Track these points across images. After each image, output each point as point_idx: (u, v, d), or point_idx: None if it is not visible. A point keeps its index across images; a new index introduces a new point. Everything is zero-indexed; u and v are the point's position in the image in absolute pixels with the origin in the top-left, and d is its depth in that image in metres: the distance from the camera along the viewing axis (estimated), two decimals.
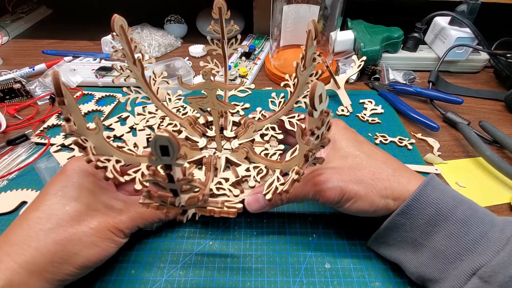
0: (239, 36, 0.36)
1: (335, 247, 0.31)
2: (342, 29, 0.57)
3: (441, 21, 0.57)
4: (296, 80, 0.33)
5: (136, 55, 0.31)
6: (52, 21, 0.81)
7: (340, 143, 0.29)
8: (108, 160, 0.24)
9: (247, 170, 0.30)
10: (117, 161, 0.25)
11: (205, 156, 0.31)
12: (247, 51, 0.62)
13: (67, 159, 0.39)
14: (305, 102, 0.34)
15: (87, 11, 0.83)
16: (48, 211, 0.24)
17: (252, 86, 0.38)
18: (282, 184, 0.25)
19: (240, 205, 0.23)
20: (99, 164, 0.23)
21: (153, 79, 0.34)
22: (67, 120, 0.20)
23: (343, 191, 0.26)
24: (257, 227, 0.32)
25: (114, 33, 0.27)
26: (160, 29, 0.68)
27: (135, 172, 0.26)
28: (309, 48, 0.29)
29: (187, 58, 0.62)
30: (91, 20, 0.76)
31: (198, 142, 0.33)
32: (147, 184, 0.28)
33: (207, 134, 0.34)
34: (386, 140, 0.43)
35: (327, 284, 0.28)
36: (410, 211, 0.25)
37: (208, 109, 0.30)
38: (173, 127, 0.34)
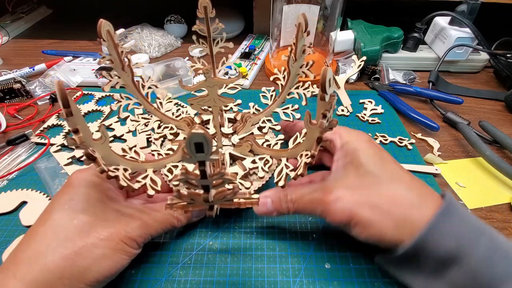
0: (224, 34, 0.35)
1: (335, 247, 0.31)
2: (342, 29, 0.57)
3: (441, 21, 0.57)
4: (286, 72, 0.34)
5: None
6: (52, 21, 0.81)
7: (361, 158, 0.26)
8: (117, 169, 0.24)
9: (253, 162, 0.31)
10: (125, 170, 0.24)
11: None
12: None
13: (67, 159, 0.39)
14: (297, 93, 0.35)
15: (87, 11, 0.83)
16: (55, 226, 0.23)
17: (241, 82, 0.37)
18: (292, 170, 0.25)
19: (258, 195, 0.24)
20: (110, 174, 0.22)
21: (142, 84, 0.33)
22: (76, 131, 0.19)
23: (352, 214, 0.23)
24: (257, 227, 0.32)
25: (102, 40, 0.26)
26: (160, 29, 0.68)
27: (143, 178, 0.26)
28: (299, 40, 0.30)
29: (187, 58, 0.62)
30: (91, 20, 0.75)
31: None
32: (174, 183, 0.28)
33: None
34: (386, 140, 0.43)
35: (327, 284, 0.28)
36: (426, 244, 0.22)
37: (205, 107, 0.30)
38: (169, 130, 0.34)
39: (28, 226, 0.32)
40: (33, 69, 0.56)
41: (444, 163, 0.40)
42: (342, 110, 0.48)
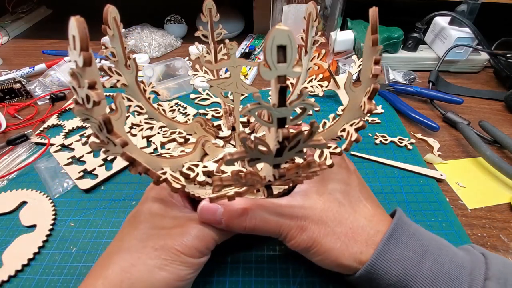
0: (227, 41, 0.34)
1: None
2: (342, 29, 0.57)
3: (441, 21, 0.57)
4: None
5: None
6: (52, 21, 0.82)
7: (328, 183, 0.26)
8: (164, 173, 0.21)
9: None
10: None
11: None
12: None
13: (67, 159, 0.39)
14: (312, 87, 0.33)
15: (87, 11, 0.82)
16: (119, 240, 0.24)
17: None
18: (335, 148, 0.23)
19: (331, 161, 0.22)
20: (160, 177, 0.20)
21: (144, 88, 0.30)
22: (93, 86, 0.14)
23: (314, 244, 0.23)
24: None
25: (107, 27, 0.23)
26: (160, 29, 0.68)
27: (162, 174, 0.24)
28: (309, 31, 0.28)
29: (187, 58, 0.62)
30: (91, 20, 0.75)
31: (216, 143, 0.31)
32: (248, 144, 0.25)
33: (219, 135, 0.33)
34: (386, 140, 0.43)
35: (327, 284, 0.28)
36: (376, 271, 0.23)
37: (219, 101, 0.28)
38: (177, 134, 0.31)
39: (28, 226, 0.32)
40: (33, 69, 0.56)
41: (444, 163, 0.40)
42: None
